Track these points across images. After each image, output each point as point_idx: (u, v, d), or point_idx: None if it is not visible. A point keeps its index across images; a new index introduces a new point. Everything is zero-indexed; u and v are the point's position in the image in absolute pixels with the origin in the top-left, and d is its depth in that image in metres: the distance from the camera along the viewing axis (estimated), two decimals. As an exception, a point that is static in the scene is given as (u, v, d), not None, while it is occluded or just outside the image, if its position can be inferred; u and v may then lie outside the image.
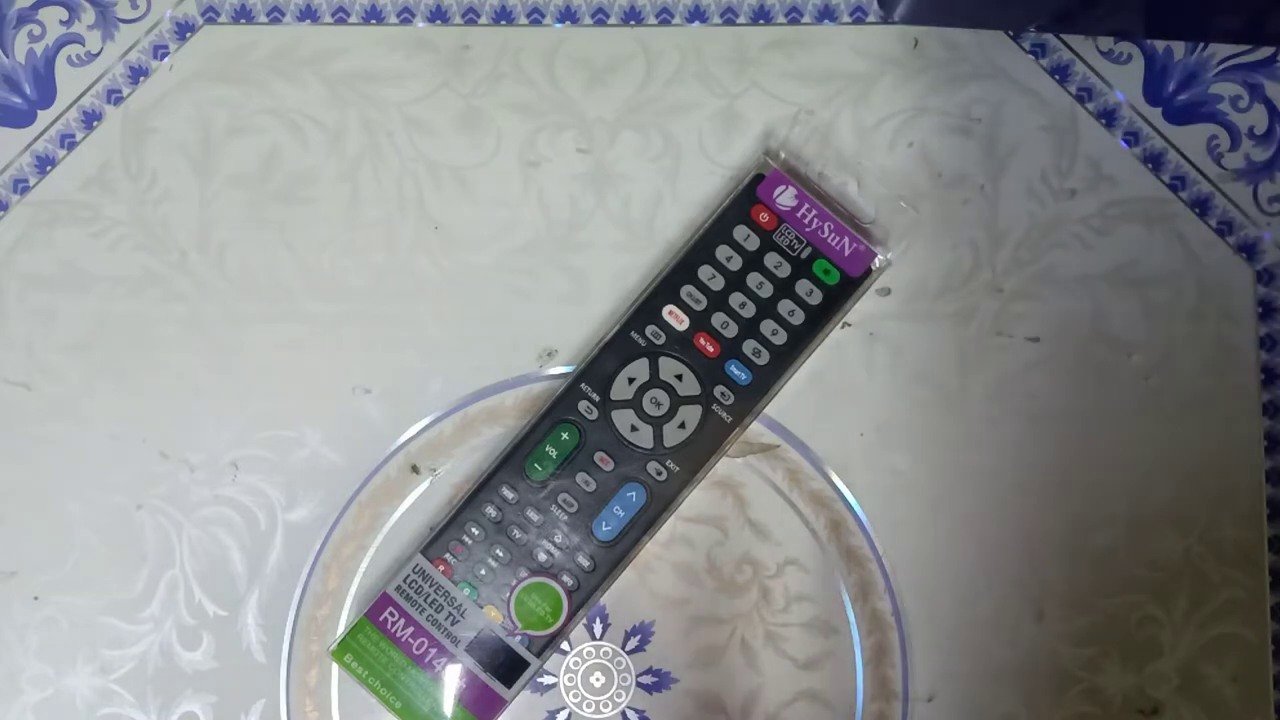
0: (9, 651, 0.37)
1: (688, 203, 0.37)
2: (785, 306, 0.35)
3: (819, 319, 0.35)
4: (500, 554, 0.35)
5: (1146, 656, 0.36)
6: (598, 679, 0.37)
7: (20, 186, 0.37)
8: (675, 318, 0.35)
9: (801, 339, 0.35)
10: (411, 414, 0.37)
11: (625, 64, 0.37)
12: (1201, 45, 0.38)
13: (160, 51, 0.37)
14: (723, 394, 0.35)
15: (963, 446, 0.37)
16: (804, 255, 0.35)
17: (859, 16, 0.38)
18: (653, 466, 0.35)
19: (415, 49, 0.37)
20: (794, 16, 0.38)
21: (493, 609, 0.35)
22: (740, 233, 0.35)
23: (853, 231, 0.35)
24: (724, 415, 0.35)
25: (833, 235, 0.35)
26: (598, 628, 0.37)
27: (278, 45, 0.37)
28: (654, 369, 0.35)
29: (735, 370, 0.35)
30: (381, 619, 0.35)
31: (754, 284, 0.35)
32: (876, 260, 0.35)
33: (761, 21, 0.38)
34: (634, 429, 0.35)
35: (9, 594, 0.37)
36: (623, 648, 0.37)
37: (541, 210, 0.37)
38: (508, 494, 0.35)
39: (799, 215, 0.35)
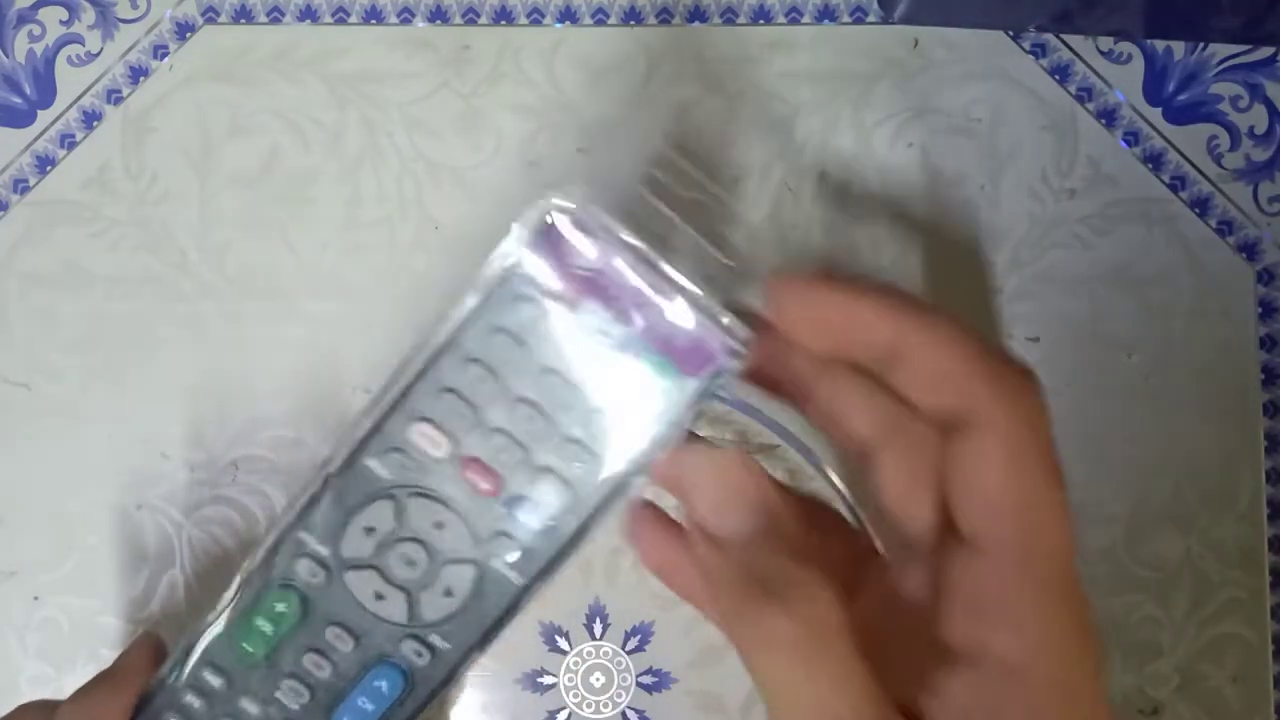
0: (9, 651, 0.37)
1: (688, 201, 0.37)
2: (593, 424, 0.23)
3: (637, 435, 0.23)
4: None
5: (1146, 656, 0.36)
6: (598, 679, 0.37)
7: (20, 186, 0.37)
8: (429, 440, 0.24)
9: (618, 462, 0.24)
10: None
11: (625, 64, 0.37)
12: (1201, 45, 0.38)
13: (160, 51, 0.37)
14: (504, 547, 0.24)
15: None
16: (626, 348, 0.23)
17: (859, 16, 0.38)
18: (410, 646, 0.26)
19: (415, 49, 0.37)
20: (794, 17, 0.38)
21: None
22: (524, 313, 0.23)
23: (694, 293, 0.22)
24: (510, 575, 0.24)
25: (659, 313, 0.22)
26: (598, 628, 0.37)
27: (278, 45, 0.37)
28: (400, 514, 0.24)
29: (521, 516, 0.24)
30: None
31: (538, 394, 0.23)
32: (734, 343, 0.22)
33: (761, 21, 0.38)
34: (379, 597, 0.25)
35: (9, 594, 0.37)
36: (623, 648, 0.37)
37: (541, 210, 0.37)
38: (212, 680, 0.26)
39: (608, 281, 0.22)
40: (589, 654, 0.37)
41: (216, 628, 0.26)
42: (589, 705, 0.37)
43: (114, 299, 0.37)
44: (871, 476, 0.22)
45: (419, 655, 0.26)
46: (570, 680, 0.37)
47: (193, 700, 0.27)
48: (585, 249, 0.22)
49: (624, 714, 0.37)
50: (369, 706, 0.26)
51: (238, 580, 0.26)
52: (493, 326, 0.23)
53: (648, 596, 0.37)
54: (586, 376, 0.23)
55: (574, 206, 0.22)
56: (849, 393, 0.22)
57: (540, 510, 0.24)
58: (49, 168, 0.37)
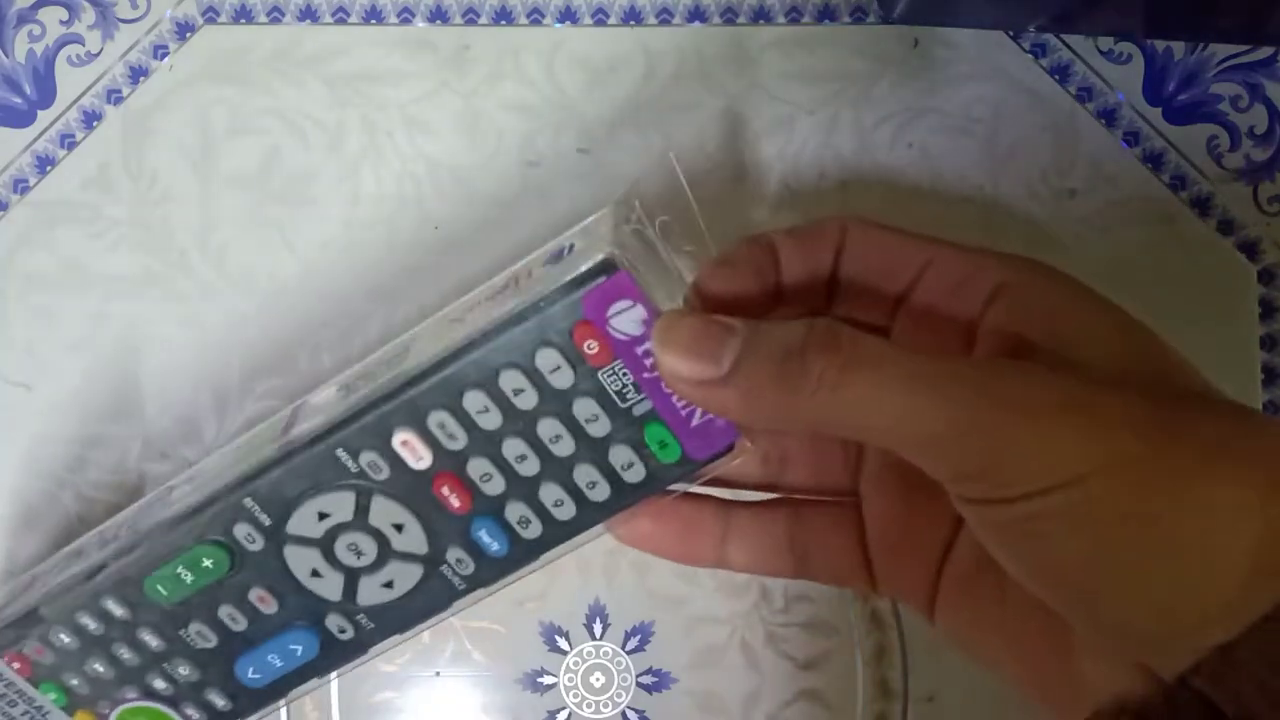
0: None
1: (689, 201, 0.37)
2: (585, 474, 0.24)
3: (628, 500, 0.24)
4: (100, 669, 0.26)
5: (1146, 656, 0.36)
6: (598, 679, 0.37)
7: (20, 186, 0.37)
8: (411, 451, 0.23)
9: (598, 518, 0.24)
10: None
11: (625, 64, 0.37)
12: (1201, 45, 0.38)
13: (160, 51, 0.37)
14: (459, 560, 0.24)
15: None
16: (636, 411, 0.23)
17: (859, 16, 0.38)
18: (335, 620, 0.25)
19: (415, 49, 0.37)
20: (794, 16, 0.38)
21: (86, 716, 0.27)
22: (547, 359, 0.22)
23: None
24: (455, 582, 0.25)
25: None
26: (598, 628, 0.37)
27: (278, 45, 0.37)
28: (362, 509, 0.24)
29: (485, 536, 0.24)
30: None
31: (547, 435, 0.23)
32: (733, 444, 0.24)
33: (762, 21, 0.38)
34: (316, 574, 0.25)
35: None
36: (623, 648, 0.37)
37: (542, 210, 0.37)
38: (115, 609, 0.25)
39: (641, 351, 0.22)
40: (589, 654, 0.37)
41: (130, 561, 0.25)
42: (589, 705, 0.37)
43: (114, 299, 0.37)
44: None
45: (342, 631, 0.26)
46: (570, 680, 0.37)
47: (86, 620, 0.25)
48: (634, 312, 0.22)
49: (624, 714, 0.37)
50: (277, 663, 0.26)
51: (160, 524, 0.25)
52: (510, 359, 0.22)
53: (647, 596, 0.37)
54: (591, 432, 0.23)
55: (626, 269, 0.22)
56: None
57: (504, 539, 0.24)
58: (49, 168, 0.37)
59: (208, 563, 0.24)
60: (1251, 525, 0.18)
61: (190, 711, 0.27)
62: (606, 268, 0.22)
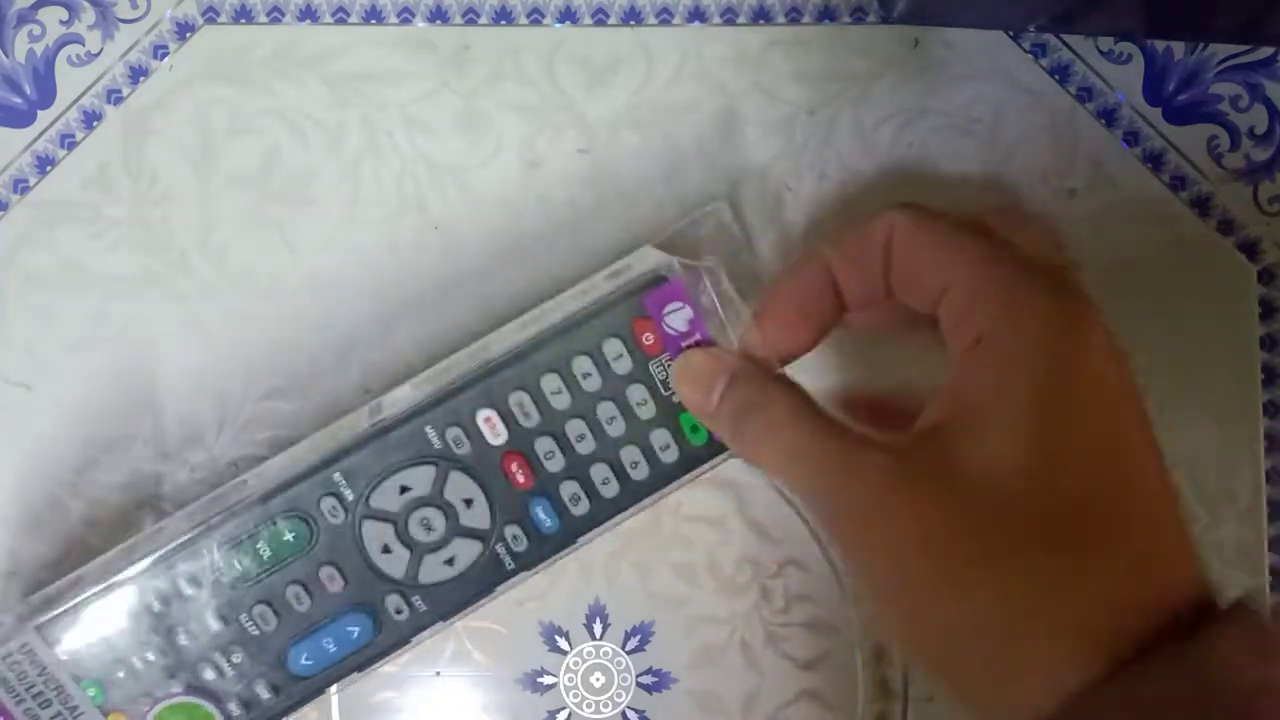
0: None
1: (686, 202, 0.37)
2: (630, 455, 0.27)
3: (665, 482, 0.28)
4: (151, 657, 0.26)
5: (1146, 656, 0.36)
6: (598, 679, 0.37)
7: (20, 186, 0.37)
8: (491, 427, 0.26)
9: (635, 499, 0.28)
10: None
11: (625, 64, 0.37)
12: (1201, 45, 0.38)
13: (160, 51, 0.37)
14: (515, 537, 0.27)
15: (963, 446, 0.37)
16: (675, 399, 0.28)
17: (859, 16, 0.38)
18: (393, 601, 0.27)
19: (415, 49, 0.37)
20: (794, 16, 0.38)
21: (119, 718, 0.27)
22: (612, 348, 0.27)
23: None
24: (507, 561, 0.27)
25: None
26: (598, 628, 0.37)
27: (278, 45, 0.37)
28: (439, 484, 0.27)
29: (541, 513, 0.27)
30: None
31: (605, 416, 0.27)
32: None
33: (762, 21, 0.38)
34: (386, 550, 0.27)
35: (9, 594, 0.37)
36: (623, 648, 0.37)
37: (542, 210, 0.37)
38: (186, 589, 0.26)
39: (686, 346, 0.27)
40: (589, 654, 0.37)
41: (213, 535, 0.26)
42: (589, 705, 0.37)
43: (114, 299, 0.37)
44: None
45: (399, 612, 0.27)
46: (570, 680, 0.37)
47: (153, 601, 0.27)
48: (684, 313, 0.27)
49: (624, 714, 0.37)
50: (332, 648, 0.27)
51: (242, 502, 0.27)
52: (581, 347, 0.27)
53: (647, 597, 0.37)
54: (640, 414, 0.27)
55: (686, 271, 0.27)
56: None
57: (558, 514, 0.27)
58: (49, 168, 0.37)
59: (288, 536, 0.26)
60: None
61: (232, 708, 0.27)
62: (665, 274, 0.27)
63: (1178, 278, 0.37)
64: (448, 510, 0.27)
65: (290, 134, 0.37)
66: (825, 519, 0.25)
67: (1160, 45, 0.38)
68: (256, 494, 0.26)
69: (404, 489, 0.26)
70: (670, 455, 0.28)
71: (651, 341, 0.27)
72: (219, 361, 0.37)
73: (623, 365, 0.27)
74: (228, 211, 0.37)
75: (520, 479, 0.27)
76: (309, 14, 0.37)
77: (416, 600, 0.27)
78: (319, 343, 0.37)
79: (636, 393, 0.27)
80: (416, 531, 0.27)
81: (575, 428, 0.27)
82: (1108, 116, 0.38)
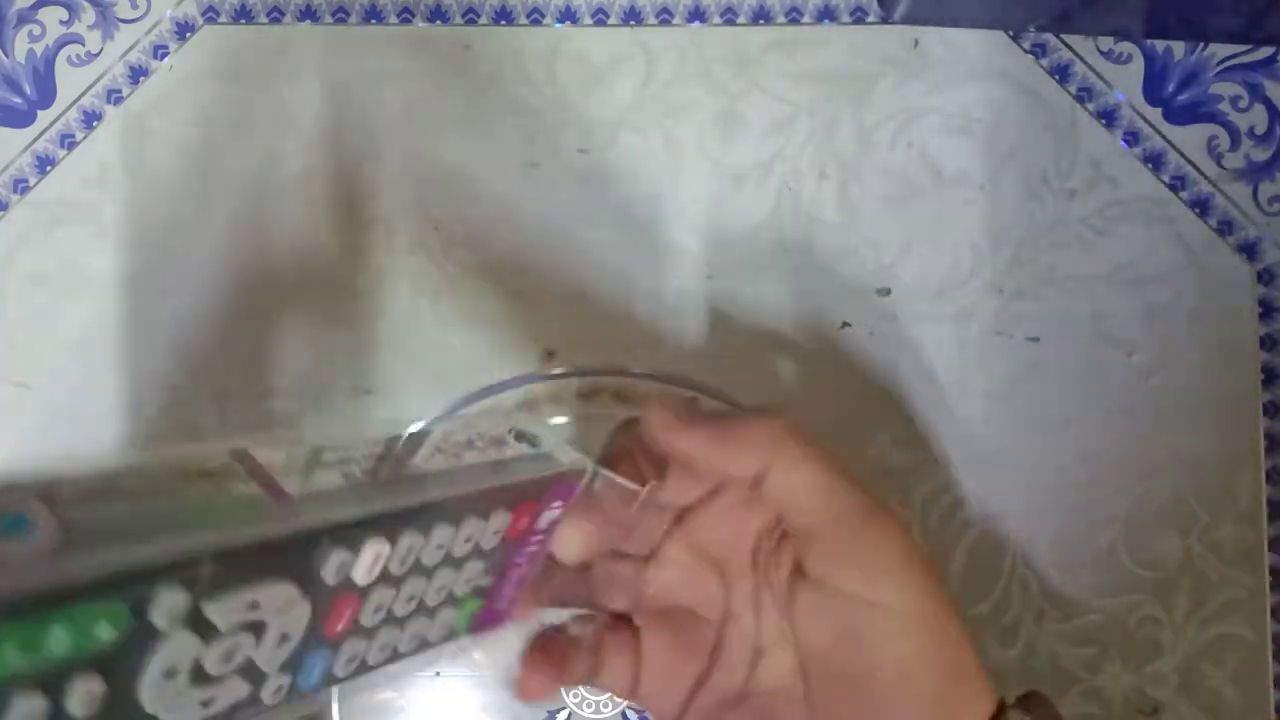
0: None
1: (688, 203, 0.37)
2: (417, 627, 0.24)
3: (414, 654, 0.24)
4: None
5: (1146, 656, 0.36)
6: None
7: (20, 186, 0.37)
8: (372, 563, 0.21)
9: (385, 665, 0.24)
10: (412, 414, 0.37)
11: (625, 64, 0.37)
12: (1201, 45, 0.38)
13: (160, 51, 0.37)
14: (277, 689, 0.21)
15: (962, 446, 0.37)
16: (483, 582, 0.25)
17: (859, 16, 0.38)
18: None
19: (415, 49, 0.37)
20: (794, 16, 0.38)
21: None
22: (498, 521, 0.23)
23: (530, 590, 0.26)
24: (246, 714, 0.20)
25: (516, 582, 0.25)
26: (598, 628, 0.37)
27: (278, 45, 0.37)
28: (285, 606, 0.20)
29: (316, 671, 0.22)
30: None
31: (439, 585, 0.23)
32: (491, 631, 0.26)
33: (761, 22, 0.38)
34: (170, 675, 0.18)
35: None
36: (623, 648, 0.37)
37: (542, 210, 0.37)
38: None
39: (534, 542, 0.25)
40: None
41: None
42: (589, 705, 0.37)
43: (114, 299, 0.37)
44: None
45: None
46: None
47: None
48: (555, 514, 0.25)
49: (624, 714, 0.37)
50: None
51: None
52: (483, 508, 0.23)
53: (648, 596, 0.37)
54: (457, 591, 0.24)
55: (587, 483, 0.25)
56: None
57: (323, 673, 0.22)
58: (49, 168, 0.37)
59: (101, 628, 0.17)
60: None
61: None
62: (581, 475, 0.25)
63: (1178, 278, 0.37)
64: (260, 642, 0.20)
65: (290, 134, 0.37)
66: None
67: (1160, 45, 0.38)
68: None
69: (252, 605, 0.19)
70: (438, 634, 0.24)
71: (522, 528, 0.24)
72: (218, 361, 0.37)
73: (491, 541, 0.24)
74: (227, 211, 0.37)
75: (337, 627, 0.21)
76: (309, 14, 0.37)
77: None
78: (318, 341, 0.37)
79: (473, 569, 0.24)
80: (212, 662, 0.19)
81: (415, 587, 0.22)
82: (1108, 116, 0.38)
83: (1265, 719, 0.36)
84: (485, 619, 0.25)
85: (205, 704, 0.19)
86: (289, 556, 0.19)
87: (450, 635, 0.25)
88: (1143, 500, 0.37)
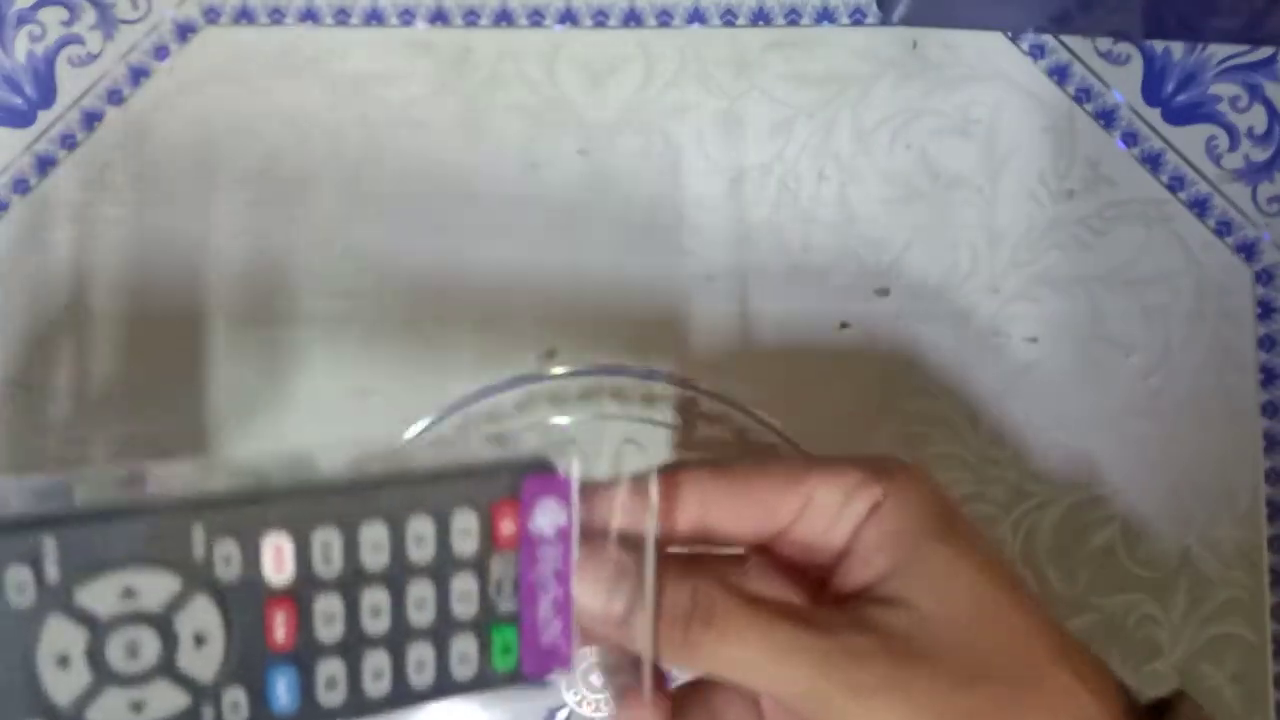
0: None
1: (688, 204, 0.37)
2: (420, 653, 0.22)
3: (442, 695, 0.22)
4: None
5: (1146, 656, 0.36)
6: (598, 678, 0.37)
7: (20, 186, 0.37)
8: (277, 559, 0.20)
9: (398, 704, 0.22)
10: (412, 414, 0.37)
11: (625, 66, 0.37)
12: (1201, 45, 0.38)
13: (161, 52, 0.37)
14: (235, 705, 0.20)
15: (961, 446, 0.37)
16: (501, 608, 0.22)
17: (858, 18, 0.38)
18: None
19: (416, 51, 0.37)
20: (793, 18, 0.38)
21: None
22: (463, 520, 0.22)
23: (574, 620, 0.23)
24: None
25: (552, 607, 0.23)
26: (597, 628, 0.37)
27: (279, 46, 0.37)
28: (176, 603, 0.19)
29: (281, 688, 0.20)
30: None
31: (416, 597, 0.21)
32: (559, 672, 0.24)
33: (761, 23, 0.38)
34: (63, 663, 0.18)
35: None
36: (622, 648, 0.37)
37: (542, 211, 0.37)
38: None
39: (541, 553, 0.22)
40: (589, 653, 0.37)
41: None
42: (589, 704, 0.37)
43: (114, 299, 0.37)
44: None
45: None
46: (570, 679, 0.37)
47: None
48: (556, 517, 0.22)
49: (624, 714, 0.37)
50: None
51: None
52: (428, 505, 0.21)
53: (647, 597, 0.37)
54: (454, 610, 0.22)
55: (565, 475, 0.22)
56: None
57: (300, 695, 0.21)
58: (49, 168, 0.37)
59: None
60: None
61: None
62: (561, 464, 0.22)
63: (1177, 278, 0.37)
64: (168, 640, 0.19)
65: (290, 134, 0.37)
66: (811, 713, 0.24)
67: (1159, 45, 0.38)
68: None
69: (128, 592, 0.19)
70: (465, 670, 0.22)
71: (509, 533, 0.22)
72: (218, 361, 0.37)
73: (466, 545, 0.21)
74: (228, 211, 0.37)
75: (279, 635, 0.20)
76: (310, 15, 0.37)
77: None
78: (318, 341, 0.37)
79: (464, 583, 0.22)
80: (115, 653, 0.19)
81: (376, 598, 0.21)
82: (1106, 117, 0.38)
83: (1265, 719, 0.36)
84: (536, 658, 0.23)
85: (135, 708, 0.19)
86: (146, 537, 0.19)
87: (488, 673, 0.23)
88: (1142, 500, 0.37)
